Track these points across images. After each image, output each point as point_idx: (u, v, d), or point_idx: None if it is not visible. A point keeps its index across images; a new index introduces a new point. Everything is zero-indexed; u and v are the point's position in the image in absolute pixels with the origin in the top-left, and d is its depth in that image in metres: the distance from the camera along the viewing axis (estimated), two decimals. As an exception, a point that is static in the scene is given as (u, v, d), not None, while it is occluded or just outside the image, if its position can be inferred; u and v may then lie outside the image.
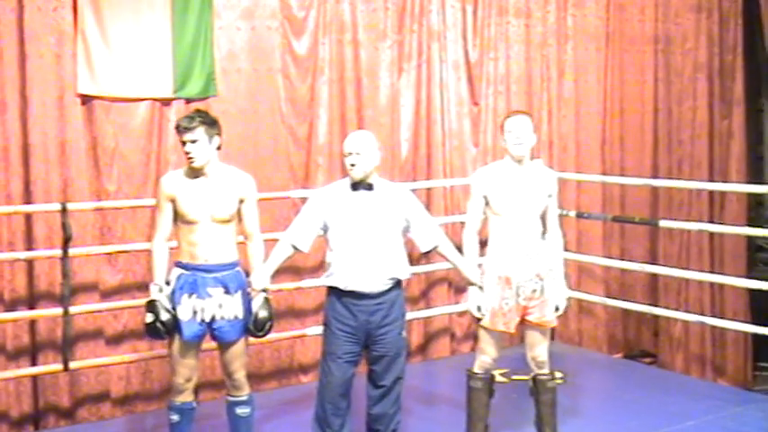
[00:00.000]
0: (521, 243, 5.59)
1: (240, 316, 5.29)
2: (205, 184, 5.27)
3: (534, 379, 5.80)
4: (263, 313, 5.27)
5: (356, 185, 5.31)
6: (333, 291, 5.36)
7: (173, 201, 5.25)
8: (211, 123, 5.27)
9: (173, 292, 5.23)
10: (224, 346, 5.37)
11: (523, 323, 5.70)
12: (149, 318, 5.17)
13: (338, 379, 5.32)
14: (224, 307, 5.25)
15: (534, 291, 5.60)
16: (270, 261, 5.35)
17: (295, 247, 5.37)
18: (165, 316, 5.15)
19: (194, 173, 5.27)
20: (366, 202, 5.30)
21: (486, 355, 5.71)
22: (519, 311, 5.62)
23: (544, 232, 5.73)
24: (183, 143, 5.21)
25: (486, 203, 5.65)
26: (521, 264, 5.58)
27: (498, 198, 5.60)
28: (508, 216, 5.59)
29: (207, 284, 5.22)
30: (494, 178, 5.64)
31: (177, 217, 5.28)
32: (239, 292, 5.30)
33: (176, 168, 6.77)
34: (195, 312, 5.22)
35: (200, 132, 5.19)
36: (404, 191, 5.55)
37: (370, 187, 5.31)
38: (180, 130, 5.22)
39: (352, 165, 5.25)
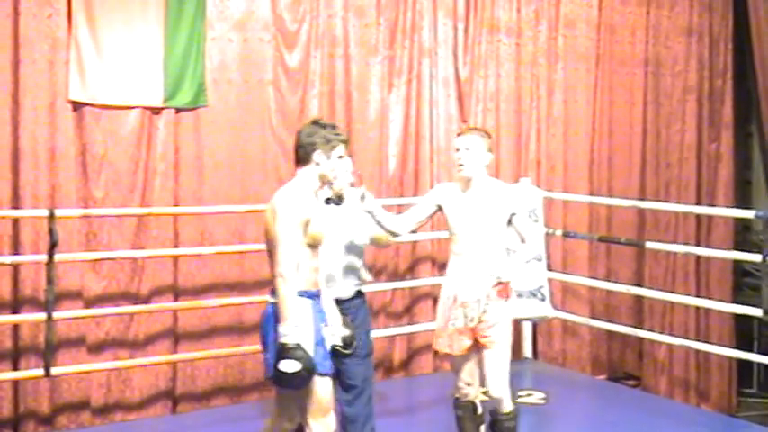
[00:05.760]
0: (471, 263, 5.37)
1: None
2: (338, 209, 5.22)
3: (492, 421, 5.46)
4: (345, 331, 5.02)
5: (329, 200, 5.39)
6: None
7: (307, 224, 4.66)
8: None
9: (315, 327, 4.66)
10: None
11: (478, 347, 5.42)
12: (295, 366, 4.44)
13: None
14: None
15: (485, 312, 5.33)
16: None
17: None
18: (311, 361, 4.51)
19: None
20: (336, 215, 5.38)
21: (457, 378, 5.56)
22: (470, 334, 5.37)
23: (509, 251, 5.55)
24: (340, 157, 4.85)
25: (444, 217, 5.53)
26: (469, 284, 5.37)
27: (451, 215, 5.46)
28: (460, 235, 5.43)
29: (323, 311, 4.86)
30: (450, 194, 5.50)
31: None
32: None
33: (164, 177, 6.87)
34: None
35: None
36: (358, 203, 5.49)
37: (339, 201, 5.37)
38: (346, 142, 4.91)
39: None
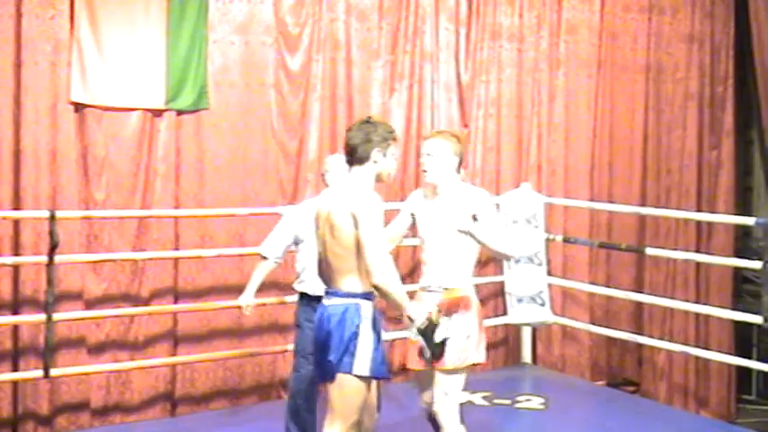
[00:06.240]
0: (433, 273, 5.17)
1: None
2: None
3: None
4: None
5: None
6: (304, 295, 5.79)
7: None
8: None
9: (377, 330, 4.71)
10: None
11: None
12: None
13: (310, 372, 5.50)
14: None
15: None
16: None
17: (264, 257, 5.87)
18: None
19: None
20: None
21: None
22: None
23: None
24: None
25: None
26: (422, 297, 5.18)
27: (418, 223, 5.25)
28: (426, 243, 5.20)
29: None
30: (419, 201, 5.29)
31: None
32: None
33: (165, 179, 6.88)
34: None
35: None
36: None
37: None
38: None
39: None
